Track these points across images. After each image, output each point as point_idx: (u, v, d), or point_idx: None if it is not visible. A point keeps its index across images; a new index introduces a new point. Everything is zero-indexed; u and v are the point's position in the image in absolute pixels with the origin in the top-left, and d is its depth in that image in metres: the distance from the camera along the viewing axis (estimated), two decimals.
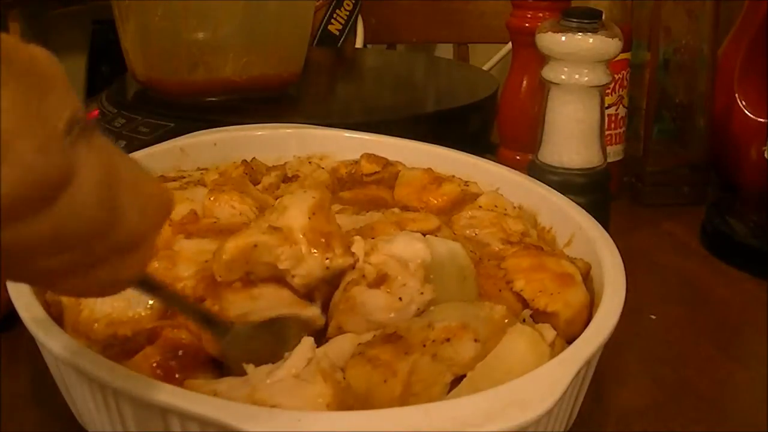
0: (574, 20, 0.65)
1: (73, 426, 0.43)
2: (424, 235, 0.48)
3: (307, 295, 0.44)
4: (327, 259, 0.43)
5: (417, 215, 0.54)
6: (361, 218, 0.53)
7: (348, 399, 0.37)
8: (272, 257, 0.43)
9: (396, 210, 0.55)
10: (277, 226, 0.44)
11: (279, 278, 0.43)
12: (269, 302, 0.42)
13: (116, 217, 0.27)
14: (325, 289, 0.45)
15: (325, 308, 0.45)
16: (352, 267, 0.44)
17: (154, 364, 0.40)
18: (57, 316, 0.43)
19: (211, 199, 0.53)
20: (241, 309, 0.41)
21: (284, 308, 0.42)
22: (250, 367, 0.39)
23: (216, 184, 0.55)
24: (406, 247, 0.45)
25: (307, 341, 0.39)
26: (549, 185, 0.60)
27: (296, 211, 0.45)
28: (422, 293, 0.43)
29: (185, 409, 0.34)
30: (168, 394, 0.35)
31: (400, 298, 0.43)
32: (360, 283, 0.43)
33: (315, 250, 0.43)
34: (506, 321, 0.43)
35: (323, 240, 0.43)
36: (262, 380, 0.37)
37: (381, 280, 0.43)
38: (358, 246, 0.46)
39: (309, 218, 0.44)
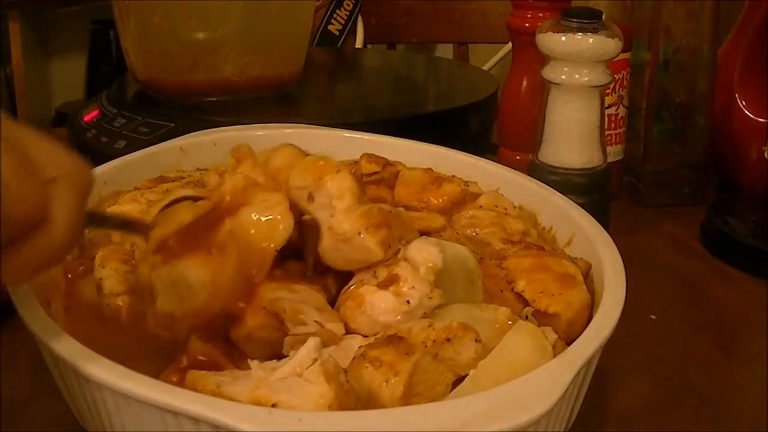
0: (574, 20, 0.65)
1: (73, 426, 0.43)
2: (429, 234, 0.48)
3: (323, 283, 0.45)
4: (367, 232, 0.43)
5: (422, 214, 0.54)
6: None
7: (350, 402, 0.37)
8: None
9: (399, 209, 0.55)
10: None
11: (316, 280, 0.44)
12: (303, 298, 0.42)
13: None
14: (341, 283, 0.45)
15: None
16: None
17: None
18: (57, 316, 0.43)
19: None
20: (275, 295, 0.42)
21: (314, 311, 0.42)
22: (254, 363, 0.39)
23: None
24: (419, 250, 0.45)
25: (314, 341, 0.38)
26: (549, 185, 0.60)
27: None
28: (431, 298, 0.43)
29: (185, 409, 0.34)
30: (168, 394, 0.35)
31: (408, 301, 0.43)
32: (370, 282, 0.43)
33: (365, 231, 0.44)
34: (510, 323, 0.43)
35: (380, 226, 0.44)
36: (265, 376, 0.37)
37: (391, 281, 0.43)
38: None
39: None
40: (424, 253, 0.45)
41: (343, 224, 0.44)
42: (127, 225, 0.48)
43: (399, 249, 0.45)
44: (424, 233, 0.49)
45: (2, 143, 0.31)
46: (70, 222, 0.34)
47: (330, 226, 0.44)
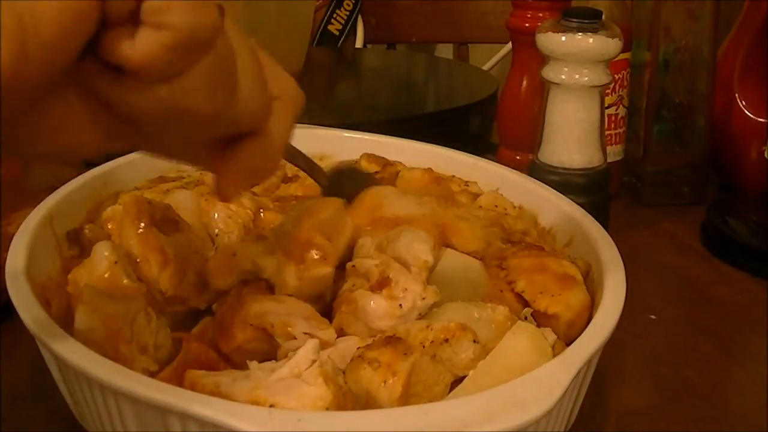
0: (574, 20, 0.65)
1: (73, 426, 0.43)
2: None
3: (320, 298, 0.45)
4: (299, 269, 0.43)
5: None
6: None
7: (348, 403, 0.37)
8: (252, 266, 0.44)
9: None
10: (264, 234, 0.45)
11: None
12: (290, 309, 0.42)
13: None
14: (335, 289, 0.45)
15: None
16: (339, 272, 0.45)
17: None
18: (57, 316, 0.43)
19: (206, 200, 0.53)
20: (262, 308, 0.42)
21: (302, 321, 0.42)
22: (253, 364, 0.39)
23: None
24: (409, 248, 0.45)
25: (312, 343, 0.38)
26: (549, 185, 0.60)
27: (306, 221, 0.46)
28: (424, 298, 0.43)
29: (185, 409, 0.34)
30: (168, 394, 0.35)
31: (401, 305, 0.42)
32: (363, 286, 0.43)
33: (288, 261, 0.44)
34: (508, 322, 0.43)
35: (299, 251, 0.44)
36: (263, 377, 0.37)
37: (383, 284, 0.43)
38: (366, 243, 0.46)
39: (294, 227, 0.45)
40: (414, 251, 0.44)
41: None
42: (311, 168, 0.51)
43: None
44: None
45: (249, 50, 0.32)
46: (284, 138, 0.36)
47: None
